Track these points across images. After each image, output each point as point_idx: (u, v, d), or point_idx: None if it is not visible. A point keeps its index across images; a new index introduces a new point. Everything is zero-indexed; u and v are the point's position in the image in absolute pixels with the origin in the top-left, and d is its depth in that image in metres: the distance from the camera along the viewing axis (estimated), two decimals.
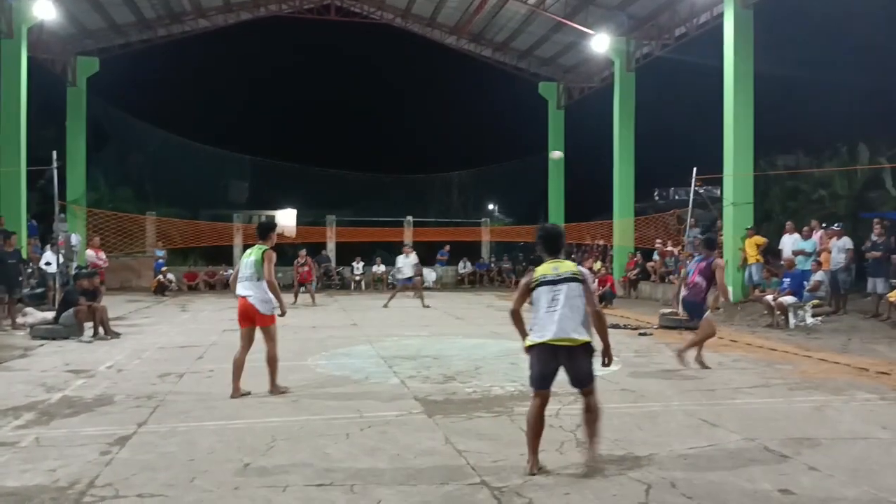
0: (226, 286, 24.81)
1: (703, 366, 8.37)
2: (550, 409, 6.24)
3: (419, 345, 10.62)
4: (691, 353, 8.44)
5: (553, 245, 4.90)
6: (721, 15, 17.24)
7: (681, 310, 9.56)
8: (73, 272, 15.52)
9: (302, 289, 19.06)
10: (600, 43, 21.26)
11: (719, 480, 4.41)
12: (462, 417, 6.02)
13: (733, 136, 16.27)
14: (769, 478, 4.45)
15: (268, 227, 7.40)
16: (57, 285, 14.48)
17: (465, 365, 8.74)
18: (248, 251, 7.17)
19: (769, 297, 13.24)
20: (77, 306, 11.32)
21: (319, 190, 30.42)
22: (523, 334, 4.82)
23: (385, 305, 17.15)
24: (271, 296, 6.95)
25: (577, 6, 21.49)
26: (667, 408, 6.36)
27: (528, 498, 4.11)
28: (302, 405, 6.52)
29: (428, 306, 17.15)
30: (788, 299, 12.71)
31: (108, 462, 4.78)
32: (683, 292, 8.87)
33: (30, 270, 15.72)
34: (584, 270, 4.81)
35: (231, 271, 25.41)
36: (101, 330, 11.35)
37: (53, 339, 10.98)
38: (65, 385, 7.47)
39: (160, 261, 22.70)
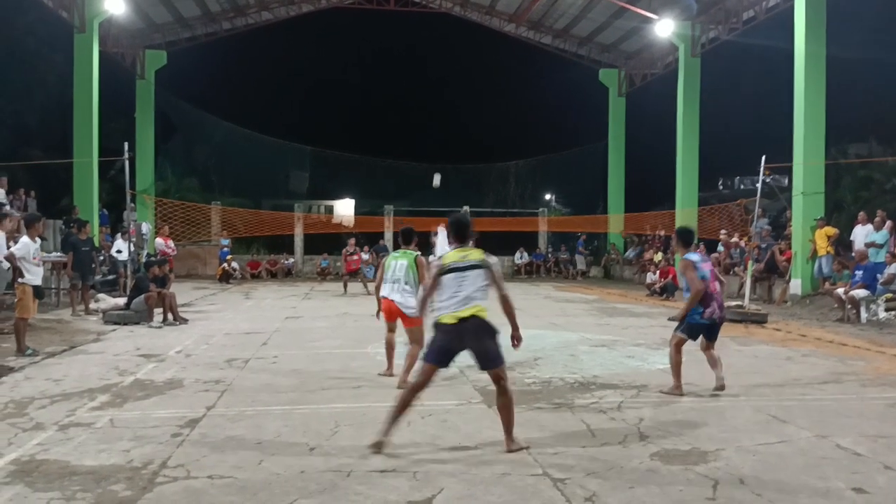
0: (288, 274, 25.36)
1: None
2: (611, 402, 6.20)
3: None
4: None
5: (461, 234, 5.14)
6: None
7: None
8: (143, 260, 16.10)
9: (346, 277, 19.18)
10: (664, 28, 20.80)
11: (789, 478, 4.29)
12: (522, 408, 5.99)
13: (804, 123, 15.71)
14: (842, 476, 4.30)
15: (411, 234, 7.58)
16: (128, 272, 15.01)
17: (524, 356, 8.67)
18: (397, 254, 7.40)
19: (840, 291, 12.78)
20: (147, 293, 11.70)
21: (377, 180, 30.71)
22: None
23: None
24: (416, 300, 7.10)
25: None
26: (734, 403, 6.21)
27: (592, 490, 4.07)
28: (364, 392, 6.61)
29: None
30: (860, 293, 12.24)
31: (180, 444, 4.93)
32: (716, 306, 6.61)
33: (102, 258, 16.36)
34: (491, 259, 5.03)
35: (292, 259, 26.05)
36: (170, 316, 11.71)
37: (125, 324, 11.39)
38: (136, 369, 7.74)
39: (225, 249, 23.30)
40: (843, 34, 17.53)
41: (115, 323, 11.46)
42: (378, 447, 4.75)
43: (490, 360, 4.89)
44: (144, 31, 24.28)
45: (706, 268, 6.69)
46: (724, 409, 5.98)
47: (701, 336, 6.77)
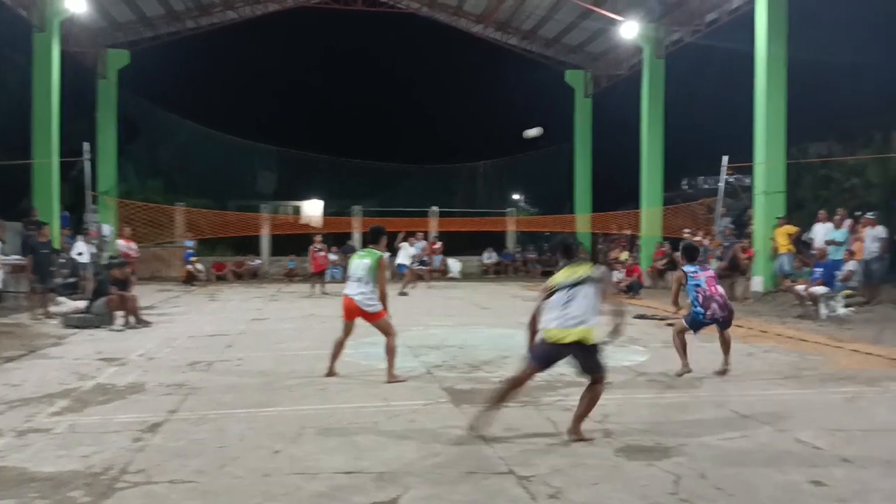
0: (254, 275, 25.12)
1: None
2: (577, 399, 6.24)
3: (444, 334, 10.64)
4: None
5: (567, 253, 5.46)
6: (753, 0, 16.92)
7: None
8: (104, 262, 15.80)
9: (314, 277, 19.05)
10: (629, 30, 21.02)
11: (750, 472, 4.36)
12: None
13: (765, 123, 15.99)
14: (801, 470, 4.39)
15: (379, 232, 7.61)
16: (89, 275, 14.73)
17: (491, 354, 8.74)
18: (362, 253, 7.44)
19: (800, 288, 13.05)
20: (108, 295, 11.50)
21: (346, 181, 30.55)
22: (533, 334, 5.27)
23: (400, 293, 17.30)
24: (376, 296, 7.23)
25: None
26: (696, 398, 6.30)
27: (557, 487, 4.09)
28: (330, 394, 6.57)
29: (405, 294, 17.33)
30: (820, 289, 12.51)
31: (141, 449, 4.85)
32: (716, 307, 7.25)
33: (62, 261, 16.02)
34: (600, 270, 5.25)
35: (258, 261, 25.79)
36: (131, 319, 11.52)
37: (85, 327, 11.15)
38: (97, 373, 7.60)
39: (189, 251, 22.99)
40: (803, 36, 17.87)
41: (76, 326, 11.22)
42: (475, 430, 5.05)
43: (591, 369, 5.11)
44: (107, 30, 23.83)
45: (702, 276, 7.37)
46: (686, 405, 6.07)
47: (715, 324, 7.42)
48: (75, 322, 11.38)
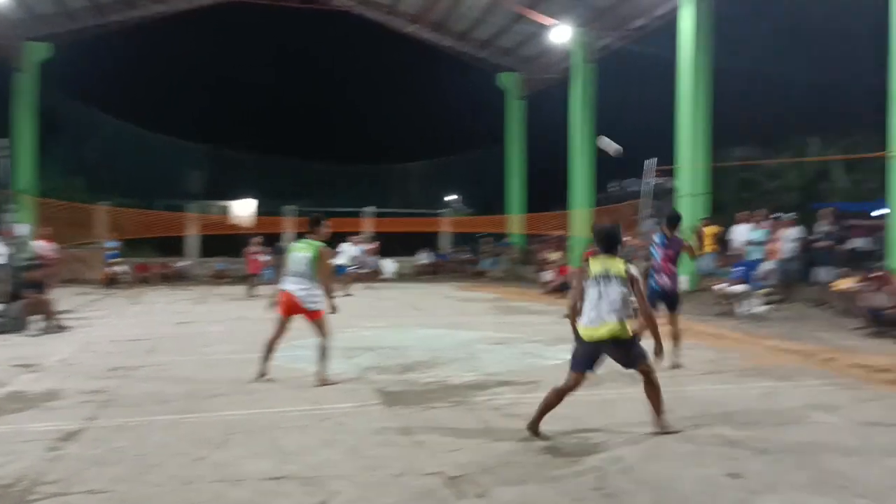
0: (180, 277, 24.46)
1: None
2: (507, 398, 6.34)
3: (377, 336, 10.59)
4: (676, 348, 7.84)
5: (609, 244, 5.34)
6: (679, 7, 17.45)
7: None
8: (20, 264, 15.08)
9: (252, 279, 18.70)
10: (560, 34, 21.39)
11: (671, 466, 4.49)
12: (420, 408, 6.02)
13: (689, 127, 16.54)
14: (719, 463, 4.54)
15: (318, 220, 7.20)
16: (5, 277, 14.04)
17: (424, 355, 8.75)
18: (300, 245, 7.04)
19: (721, 286, 13.51)
20: (24, 299, 11.00)
21: (278, 180, 30.08)
22: (574, 324, 5.26)
23: (346, 294, 17.04)
24: (318, 292, 6.95)
25: None
26: (621, 395, 6.45)
27: (485, 486, 4.13)
28: (258, 398, 6.45)
29: (349, 295, 17.22)
30: (739, 288, 12.98)
31: (56, 458, 4.66)
32: (661, 280, 7.95)
33: None
34: (633, 270, 5.23)
35: (185, 262, 25.12)
36: (49, 323, 11.06)
37: (0, 332, 10.65)
38: (11, 380, 7.26)
39: (112, 252, 22.19)
40: (728, 44, 18.55)
41: None
42: (535, 433, 5.09)
43: (632, 361, 5.15)
44: (26, 21, 22.73)
45: (660, 251, 8.03)
46: (612, 402, 6.21)
47: (664, 306, 7.84)
48: None
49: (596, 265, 5.19)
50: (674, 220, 8.48)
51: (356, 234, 21.37)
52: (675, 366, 7.57)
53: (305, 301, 6.83)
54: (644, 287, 5.47)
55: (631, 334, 5.11)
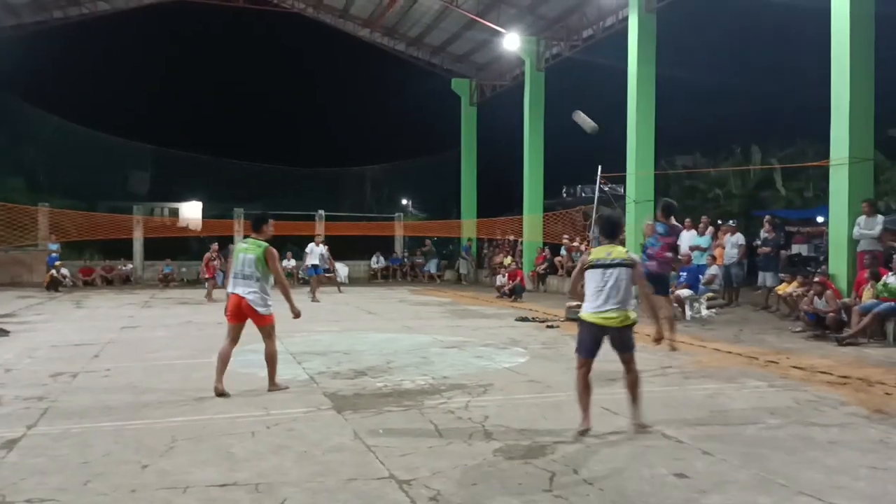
0: (126, 281, 23.86)
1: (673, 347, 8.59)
2: (459, 402, 6.36)
3: (330, 340, 10.51)
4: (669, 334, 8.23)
5: (611, 231, 5.50)
6: (626, 19, 17.83)
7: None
8: None
9: (210, 282, 18.40)
10: (511, 42, 21.60)
11: (619, 466, 4.57)
12: (372, 412, 6.00)
13: (636, 136, 16.88)
14: (666, 463, 4.64)
15: (262, 219, 6.91)
16: None
17: (377, 360, 8.72)
18: (244, 245, 6.72)
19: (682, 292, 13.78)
20: None
21: (227, 182, 29.61)
22: (579, 306, 5.45)
23: (314, 300, 16.89)
24: (269, 295, 6.67)
25: (490, 4, 21.76)
26: (571, 397, 6.49)
27: (436, 490, 4.13)
28: (205, 404, 6.33)
29: (342, 292, 17.32)
30: (685, 292, 13.28)
31: None
32: (650, 265, 8.53)
33: None
34: (634, 255, 5.47)
35: (131, 265, 24.52)
36: None
37: None
38: None
39: (53, 255, 21.53)
40: (672, 55, 19.00)
41: None
42: (584, 433, 5.17)
43: (627, 347, 5.35)
44: None
45: (661, 240, 8.63)
46: (562, 404, 6.28)
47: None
48: None
49: (599, 251, 5.34)
50: (670, 208, 9.07)
51: (317, 235, 20.97)
52: (673, 349, 8.37)
53: (255, 304, 6.58)
54: (641, 272, 5.66)
55: (634, 321, 5.31)
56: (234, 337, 6.74)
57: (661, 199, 10.10)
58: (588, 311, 5.29)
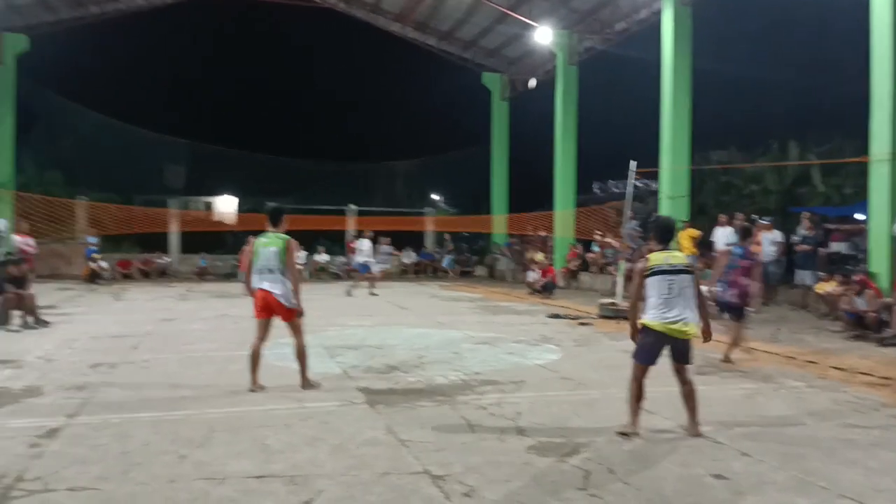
0: (162, 274, 24.25)
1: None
2: (491, 398, 6.35)
3: (362, 334, 10.57)
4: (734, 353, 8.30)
5: (665, 236, 5.41)
6: (660, 11, 17.60)
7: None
8: (0, 259, 14.88)
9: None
10: (543, 35, 21.45)
11: (655, 466, 4.52)
12: (405, 407, 6.02)
13: (670, 131, 16.67)
14: (703, 463, 4.58)
15: (280, 212, 6.90)
16: None
17: (409, 355, 8.74)
18: (264, 240, 6.66)
19: (703, 288, 13.60)
20: (4, 294, 10.85)
21: (260, 177, 29.94)
22: (635, 319, 5.31)
23: (371, 293, 17.54)
24: (290, 289, 6.59)
25: None
26: (605, 395, 6.49)
27: (470, 486, 4.13)
28: (241, 396, 6.40)
29: (375, 294, 17.38)
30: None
31: (38, 455, 4.61)
32: (724, 290, 8.23)
33: None
34: (692, 261, 5.39)
35: (167, 259, 24.90)
36: (29, 319, 10.92)
37: None
38: None
39: (92, 247, 21.96)
40: (707, 48, 18.72)
41: None
42: (628, 435, 5.09)
43: (685, 358, 5.25)
44: (3, 12, 22.44)
45: (740, 263, 8.12)
46: (595, 402, 6.24)
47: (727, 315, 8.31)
48: None
49: (657, 258, 5.21)
50: (747, 232, 8.86)
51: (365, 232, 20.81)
52: (728, 360, 8.15)
53: (282, 298, 6.49)
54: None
55: (696, 334, 5.22)
56: (264, 332, 6.69)
57: (736, 223, 9.95)
58: (654, 319, 5.14)
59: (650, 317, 5.17)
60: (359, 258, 18.57)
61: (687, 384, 5.31)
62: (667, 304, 5.10)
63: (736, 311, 8.27)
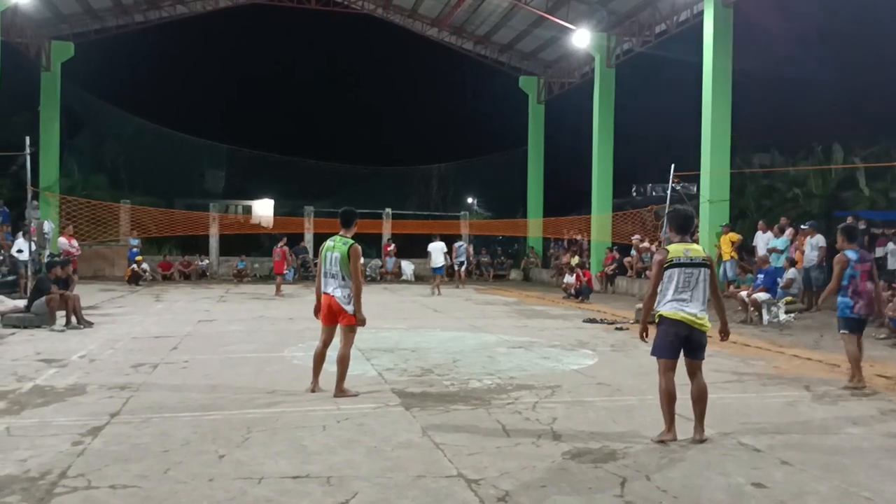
0: (202, 276, 24.66)
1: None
2: (526, 402, 6.32)
3: (397, 337, 10.60)
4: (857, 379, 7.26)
5: (684, 227, 5.30)
6: (701, 13, 17.37)
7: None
8: (45, 260, 15.30)
9: (279, 278, 18.95)
10: (581, 38, 21.33)
11: (693, 474, 4.45)
12: (439, 410, 6.02)
13: (711, 133, 16.43)
14: (742, 472, 4.50)
15: (352, 215, 6.72)
16: (29, 273, 14.25)
17: (443, 358, 8.75)
18: (331, 243, 6.53)
19: (743, 294, 13.39)
20: (49, 294, 11.15)
21: (298, 181, 30.27)
22: (648, 313, 5.30)
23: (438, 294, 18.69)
24: (351, 295, 6.49)
25: (559, 1, 21.54)
26: (642, 401, 6.41)
27: (505, 490, 4.11)
28: (278, 397, 6.48)
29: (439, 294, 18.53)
30: (762, 296, 12.86)
31: (81, 453, 4.71)
32: (852, 306, 7.10)
33: (1, 258, 15.47)
34: (709, 254, 5.30)
35: (207, 261, 25.33)
36: (73, 319, 11.19)
37: (25, 327, 10.81)
38: (36, 374, 7.36)
39: (134, 250, 22.45)
40: (749, 50, 18.47)
41: (15, 326, 10.86)
42: (665, 443, 5.03)
43: (700, 352, 5.20)
44: (51, 21, 23.13)
45: (859, 268, 7.11)
46: (632, 408, 6.17)
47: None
48: (14, 321, 11.03)
49: (677, 249, 5.15)
50: (853, 232, 7.46)
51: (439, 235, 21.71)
52: (857, 387, 7.08)
53: (343, 302, 6.40)
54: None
55: (709, 327, 5.17)
56: (327, 338, 6.64)
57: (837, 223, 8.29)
58: (671, 309, 5.06)
59: (667, 308, 5.11)
60: (438, 260, 19.85)
61: (699, 382, 5.23)
62: (682, 295, 5.06)
63: (861, 323, 7.26)
